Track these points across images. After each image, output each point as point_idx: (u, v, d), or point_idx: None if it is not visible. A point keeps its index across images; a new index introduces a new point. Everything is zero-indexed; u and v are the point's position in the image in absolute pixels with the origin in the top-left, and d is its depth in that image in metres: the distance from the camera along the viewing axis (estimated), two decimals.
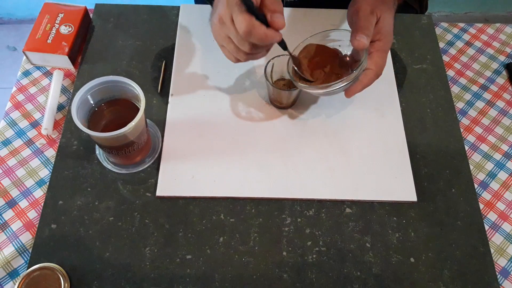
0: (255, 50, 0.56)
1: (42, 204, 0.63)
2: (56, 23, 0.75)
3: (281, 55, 0.67)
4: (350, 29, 0.62)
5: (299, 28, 0.79)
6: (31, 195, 0.64)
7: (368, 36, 0.58)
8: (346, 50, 0.66)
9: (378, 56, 0.60)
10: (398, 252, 0.60)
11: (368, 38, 0.58)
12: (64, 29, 0.74)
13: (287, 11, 0.81)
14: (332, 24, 0.79)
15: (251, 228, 0.62)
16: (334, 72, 0.65)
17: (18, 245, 0.60)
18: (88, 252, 0.59)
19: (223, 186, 0.64)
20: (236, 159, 0.66)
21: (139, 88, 0.58)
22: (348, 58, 0.65)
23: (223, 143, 0.67)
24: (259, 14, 0.52)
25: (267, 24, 0.53)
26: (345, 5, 0.81)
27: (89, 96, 0.59)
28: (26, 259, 0.59)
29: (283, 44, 0.59)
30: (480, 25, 0.85)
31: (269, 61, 0.67)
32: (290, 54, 0.62)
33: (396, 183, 0.65)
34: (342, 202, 0.64)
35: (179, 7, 0.81)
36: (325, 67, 0.65)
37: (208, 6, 0.82)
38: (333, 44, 0.66)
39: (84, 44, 0.77)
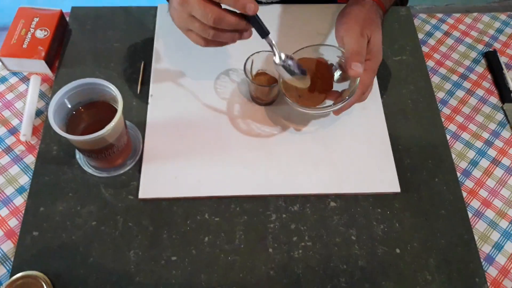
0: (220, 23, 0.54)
1: (23, 211, 0.62)
2: (32, 28, 0.74)
3: (261, 51, 0.66)
4: (336, 45, 0.64)
5: (279, 25, 0.79)
6: (11, 203, 0.63)
7: (362, 62, 0.59)
8: (332, 60, 0.67)
9: (366, 76, 0.60)
10: (383, 243, 0.61)
11: (362, 65, 0.58)
12: (39, 33, 0.73)
13: (266, 8, 0.80)
14: (309, 20, 0.79)
15: (236, 226, 0.61)
16: (324, 88, 0.66)
17: (0, 255, 0.59)
18: (71, 258, 0.59)
19: (207, 185, 0.64)
20: (219, 158, 0.66)
21: (116, 89, 0.57)
22: (333, 67, 0.67)
23: (205, 142, 0.67)
24: None
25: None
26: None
27: (66, 100, 0.58)
28: (8, 268, 0.58)
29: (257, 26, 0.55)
30: (458, 15, 0.86)
31: (248, 58, 0.66)
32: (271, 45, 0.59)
33: (379, 175, 0.65)
34: (326, 196, 0.64)
35: (156, 7, 0.81)
36: (315, 82, 0.66)
37: None
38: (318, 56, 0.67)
39: (61, 48, 0.76)
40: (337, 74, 0.67)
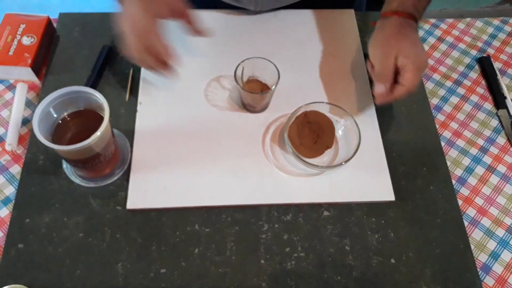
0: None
1: (8, 223, 0.60)
2: (18, 34, 0.72)
3: (252, 57, 0.65)
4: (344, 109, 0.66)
5: (269, 32, 0.78)
6: None
7: (386, 81, 0.63)
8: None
9: (410, 74, 0.61)
10: (378, 253, 0.59)
11: (386, 84, 0.63)
12: (26, 40, 0.72)
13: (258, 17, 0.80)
14: (301, 25, 0.78)
15: (227, 237, 0.60)
16: (325, 144, 0.66)
17: None
18: (57, 271, 0.57)
19: (197, 195, 0.62)
20: (209, 167, 0.64)
21: (102, 97, 0.56)
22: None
23: (195, 151, 0.65)
24: None
25: None
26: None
27: (51, 109, 0.57)
28: None
29: None
30: (451, 20, 0.85)
31: (239, 64, 0.65)
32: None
33: (373, 183, 0.64)
34: (320, 205, 0.62)
35: None
36: (318, 135, 0.66)
37: None
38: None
39: (49, 55, 0.74)
40: (338, 134, 0.67)
